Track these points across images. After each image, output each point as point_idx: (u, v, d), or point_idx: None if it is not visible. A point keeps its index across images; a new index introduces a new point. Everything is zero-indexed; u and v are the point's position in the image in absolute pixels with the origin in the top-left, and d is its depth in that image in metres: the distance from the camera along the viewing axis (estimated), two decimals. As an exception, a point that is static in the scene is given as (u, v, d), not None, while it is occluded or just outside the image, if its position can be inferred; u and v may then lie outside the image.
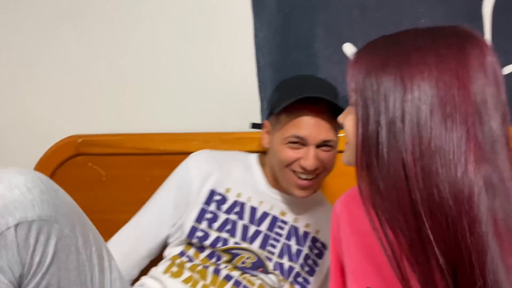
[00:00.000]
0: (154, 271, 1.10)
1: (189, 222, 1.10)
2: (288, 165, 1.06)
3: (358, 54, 0.73)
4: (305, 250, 1.12)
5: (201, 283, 1.03)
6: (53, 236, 0.77)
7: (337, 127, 1.08)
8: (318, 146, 1.05)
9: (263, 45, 1.40)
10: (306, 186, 1.06)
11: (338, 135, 1.10)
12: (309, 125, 1.03)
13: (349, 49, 1.39)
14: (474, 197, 0.60)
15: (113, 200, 1.40)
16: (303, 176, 1.06)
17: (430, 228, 0.61)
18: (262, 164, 1.19)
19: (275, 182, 1.15)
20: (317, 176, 1.07)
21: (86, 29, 1.44)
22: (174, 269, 1.07)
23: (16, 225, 0.72)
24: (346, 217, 0.87)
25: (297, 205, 1.16)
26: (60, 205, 0.79)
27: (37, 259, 0.75)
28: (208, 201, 1.11)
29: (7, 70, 1.49)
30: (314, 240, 1.14)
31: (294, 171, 1.06)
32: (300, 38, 1.39)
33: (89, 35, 1.44)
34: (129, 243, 1.15)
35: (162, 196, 1.17)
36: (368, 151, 0.66)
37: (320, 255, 1.14)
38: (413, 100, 0.63)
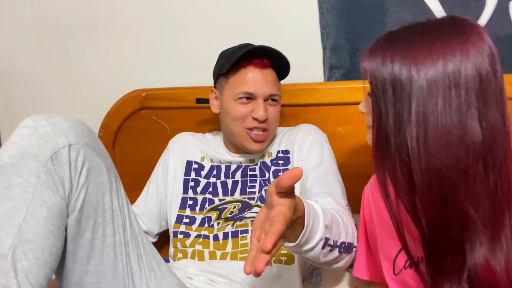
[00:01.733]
0: (171, 262, 1.17)
1: (178, 194, 1.21)
2: (241, 120, 1.13)
3: (374, 45, 0.78)
4: (275, 169, 1.18)
5: (206, 253, 1.10)
6: (96, 167, 0.83)
7: (279, 82, 1.17)
8: (265, 99, 1.13)
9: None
10: (260, 139, 1.14)
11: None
12: (256, 80, 1.12)
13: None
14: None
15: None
16: (256, 131, 1.14)
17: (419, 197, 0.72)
18: (226, 138, 1.25)
19: (235, 149, 1.22)
20: (267, 130, 1.15)
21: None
22: (180, 254, 1.14)
23: (70, 146, 0.79)
24: (373, 198, 0.95)
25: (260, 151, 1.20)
26: (97, 145, 0.86)
27: (82, 181, 0.81)
28: (187, 172, 1.22)
29: (76, 27, 1.54)
30: (277, 155, 1.20)
31: (246, 127, 1.14)
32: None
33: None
34: (143, 213, 1.27)
35: (152, 179, 1.29)
36: (380, 140, 0.75)
37: (287, 163, 1.18)
38: (421, 90, 0.71)
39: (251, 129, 1.14)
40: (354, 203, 1.24)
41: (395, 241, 0.82)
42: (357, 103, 1.29)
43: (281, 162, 1.19)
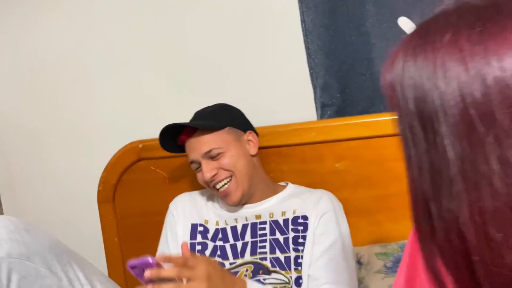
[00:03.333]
0: None
1: None
2: (205, 185, 1.20)
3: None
4: (291, 234, 1.16)
5: None
6: (31, 274, 0.74)
7: (216, 135, 1.19)
8: (209, 157, 1.18)
9: (312, 30, 1.34)
10: (225, 193, 1.18)
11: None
12: (192, 147, 1.20)
13: (404, 23, 1.30)
14: None
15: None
16: (218, 187, 1.18)
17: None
18: None
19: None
20: (230, 180, 1.18)
21: (141, 35, 1.47)
22: None
23: None
24: None
25: (264, 205, 1.22)
26: (32, 244, 0.76)
27: None
28: (193, 235, 1.22)
29: (67, 79, 1.56)
30: (295, 220, 1.17)
31: (212, 188, 1.20)
32: (351, 18, 1.32)
33: (146, 39, 1.47)
34: None
35: (161, 243, 1.28)
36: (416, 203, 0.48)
37: (306, 228, 1.16)
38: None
39: (214, 188, 1.19)
40: (354, 238, 1.24)
41: None
42: (353, 139, 1.32)
43: (300, 228, 1.16)
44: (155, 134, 1.46)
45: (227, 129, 1.21)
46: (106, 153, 1.49)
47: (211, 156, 1.17)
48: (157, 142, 1.44)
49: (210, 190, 1.22)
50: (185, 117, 1.47)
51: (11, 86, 1.62)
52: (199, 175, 1.20)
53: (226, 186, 1.18)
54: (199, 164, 1.19)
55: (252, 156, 1.23)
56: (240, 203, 1.21)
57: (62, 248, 0.82)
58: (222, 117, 1.23)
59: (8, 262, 0.72)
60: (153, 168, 1.46)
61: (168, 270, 0.86)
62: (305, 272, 1.11)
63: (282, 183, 1.30)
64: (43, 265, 0.76)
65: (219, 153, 1.18)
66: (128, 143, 1.47)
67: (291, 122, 1.36)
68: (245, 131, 1.24)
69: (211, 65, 1.45)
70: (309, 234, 1.15)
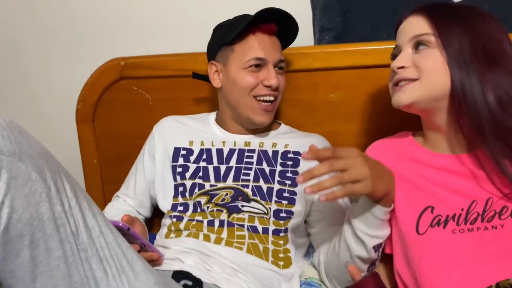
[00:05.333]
0: (159, 240, 1.12)
1: (168, 182, 1.15)
2: (252, 89, 1.09)
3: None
4: (279, 168, 1.11)
5: (201, 234, 1.04)
6: (21, 176, 0.68)
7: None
8: (275, 66, 1.10)
9: None
10: (269, 109, 1.11)
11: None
12: (266, 45, 1.08)
13: None
14: None
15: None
16: (267, 99, 1.09)
17: None
18: (218, 118, 1.21)
19: (232, 127, 1.17)
20: (275, 99, 1.12)
21: None
22: (173, 235, 1.08)
23: None
24: (384, 163, 0.90)
25: (256, 135, 1.17)
26: (25, 145, 0.70)
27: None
28: (175, 158, 1.15)
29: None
30: (285, 154, 1.13)
31: (256, 97, 1.09)
32: None
33: None
34: (131, 204, 1.24)
35: (139, 165, 1.23)
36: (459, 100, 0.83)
37: (296, 164, 1.11)
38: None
39: (261, 99, 1.09)
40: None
41: (420, 199, 0.87)
42: (351, 68, 1.24)
43: (289, 163, 1.11)
44: (139, 51, 1.38)
45: None
46: (86, 69, 1.38)
47: (277, 66, 1.11)
48: (141, 60, 1.36)
49: (245, 97, 1.09)
50: (175, 36, 1.37)
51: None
52: (251, 76, 1.08)
53: (272, 102, 1.11)
54: (261, 67, 1.08)
55: None
56: (264, 125, 1.14)
57: (51, 157, 0.76)
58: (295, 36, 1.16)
59: (2, 159, 0.66)
60: (135, 88, 1.37)
61: (318, 167, 0.80)
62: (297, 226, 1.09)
63: (274, 121, 1.24)
64: (34, 169, 0.70)
65: (282, 70, 1.13)
66: (109, 59, 1.36)
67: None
68: None
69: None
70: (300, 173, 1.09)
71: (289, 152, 1.13)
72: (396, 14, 1.22)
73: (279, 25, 1.11)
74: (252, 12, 1.09)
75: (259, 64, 1.08)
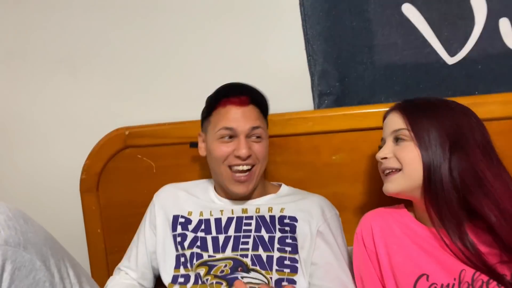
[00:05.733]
0: None
1: (170, 253, 1.15)
2: (224, 159, 1.11)
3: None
4: (278, 234, 1.10)
5: None
6: (25, 265, 0.70)
7: (264, 116, 1.16)
8: (248, 136, 1.11)
9: (311, 15, 1.27)
10: (243, 180, 1.11)
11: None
12: (236, 116, 1.10)
13: (408, 10, 1.24)
14: None
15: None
16: (240, 169, 1.10)
17: None
18: (215, 185, 1.22)
19: (226, 193, 1.18)
20: (252, 169, 1.11)
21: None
22: None
23: None
24: (378, 232, 1.02)
25: (253, 200, 1.18)
26: (30, 234, 0.73)
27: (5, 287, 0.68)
28: (174, 227, 1.16)
29: (51, 64, 1.48)
30: (282, 219, 1.12)
31: (230, 167, 1.11)
32: (352, 3, 1.26)
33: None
34: (133, 276, 1.22)
35: (140, 236, 1.23)
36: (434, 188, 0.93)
37: (293, 230, 1.10)
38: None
39: (233, 169, 1.11)
40: (351, 234, 1.18)
41: (416, 266, 0.93)
42: (351, 130, 1.26)
43: (287, 228, 1.10)
44: (142, 121, 1.41)
45: (265, 120, 1.18)
46: (90, 140, 1.41)
47: (252, 135, 1.11)
48: (144, 129, 1.39)
49: (220, 167, 1.12)
50: (177, 104, 1.41)
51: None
52: (223, 147, 1.10)
53: (247, 173, 1.10)
54: (232, 136, 1.10)
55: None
56: (246, 194, 1.14)
57: (55, 243, 0.79)
58: (268, 107, 1.18)
59: (4, 249, 0.68)
60: (139, 156, 1.38)
61: None
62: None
63: (276, 184, 1.25)
64: (38, 257, 0.73)
65: (259, 136, 1.12)
66: (114, 129, 1.39)
67: (287, 112, 1.29)
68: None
69: (205, 51, 1.38)
70: (299, 238, 1.09)
71: (285, 217, 1.12)
72: (392, 78, 1.28)
73: (252, 96, 1.13)
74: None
75: (231, 135, 1.10)
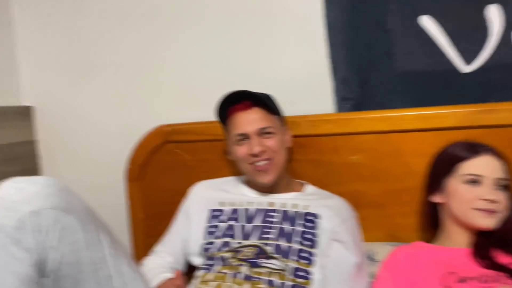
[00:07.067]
0: None
1: (198, 241, 1.27)
2: (244, 159, 1.25)
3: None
4: (299, 228, 1.20)
5: (224, 285, 1.13)
6: (69, 227, 0.85)
7: (273, 113, 1.26)
8: (259, 134, 1.23)
9: (334, 25, 1.37)
10: (264, 169, 1.24)
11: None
12: (244, 120, 1.24)
13: (426, 22, 1.31)
14: None
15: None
16: (258, 164, 1.23)
17: None
18: (246, 179, 1.35)
19: (254, 186, 1.31)
20: (271, 159, 1.23)
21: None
22: (202, 286, 1.18)
23: (34, 212, 0.82)
24: (417, 264, 1.12)
25: (280, 195, 1.29)
26: (74, 203, 0.88)
27: (54, 243, 0.83)
28: (209, 220, 1.29)
29: (101, 66, 1.67)
30: (305, 215, 1.22)
31: (250, 164, 1.25)
32: (373, 14, 1.34)
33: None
34: (168, 260, 1.36)
35: (175, 225, 1.38)
36: None
37: (315, 227, 1.20)
38: None
39: (254, 165, 1.24)
40: (366, 231, 1.27)
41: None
42: (369, 133, 1.35)
43: (309, 224, 1.21)
44: (181, 119, 1.56)
45: (277, 116, 1.29)
46: (136, 135, 1.58)
47: (263, 133, 1.24)
48: (183, 127, 1.53)
49: (243, 166, 1.26)
50: (212, 105, 1.54)
51: (52, 70, 1.74)
52: (241, 149, 1.25)
53: (264, 163, 1.23)
54: (246, 138, 1.24)
55: (287, 148, 1.29)
56: (271, 184, 1.25)
57: (94, 213, 0.94)
58: (275, 104, 1.29)
59: (54, 212, 0.84)
60: (178, 151, 1.54)
61: None
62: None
63: (300, 181, 1.35)
64: (79, 222, 0.88)
65: (271, 133, 1.24)
66: (156, 126, 1.56)
67: (309, 114, 1.40)
68: (283, 125, 1.31)
69: (237, 59, 1.51)
70: (319, 235, 1.19)
71: (308, 214, 1.22)
72: (409, 85, 1.35)
73: (255, 98, 1.25)
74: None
75: (244, 138, 1.24)
